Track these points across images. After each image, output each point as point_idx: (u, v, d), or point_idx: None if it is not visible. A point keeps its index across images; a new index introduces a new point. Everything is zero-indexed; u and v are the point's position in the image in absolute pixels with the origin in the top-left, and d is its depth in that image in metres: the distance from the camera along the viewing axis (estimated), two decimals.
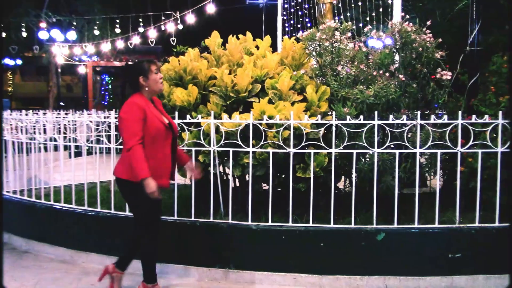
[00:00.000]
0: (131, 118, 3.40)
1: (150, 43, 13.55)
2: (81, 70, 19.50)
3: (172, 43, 11.55)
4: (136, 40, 14.20)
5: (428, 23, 4.86)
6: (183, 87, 4.74)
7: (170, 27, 12.53)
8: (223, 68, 4.71)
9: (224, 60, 4.95)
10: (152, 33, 13.19)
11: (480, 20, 5.03)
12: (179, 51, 7.42)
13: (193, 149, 4.39)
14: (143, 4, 18.25)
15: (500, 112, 4.12)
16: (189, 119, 4.36)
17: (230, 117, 4.40)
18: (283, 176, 4.52)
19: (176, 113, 4.42)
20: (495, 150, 4.11)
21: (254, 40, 5.10)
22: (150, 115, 3.46)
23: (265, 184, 4.48)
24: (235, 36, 5.04)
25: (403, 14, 5.53)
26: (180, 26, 12.38)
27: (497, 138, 4.11)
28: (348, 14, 7.41)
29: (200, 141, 4.33)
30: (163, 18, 13.01)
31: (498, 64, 5.22)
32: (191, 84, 4.71)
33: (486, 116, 4.18)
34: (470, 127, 4.08)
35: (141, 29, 14.07)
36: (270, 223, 4.19)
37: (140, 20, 14.58)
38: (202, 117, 4.38)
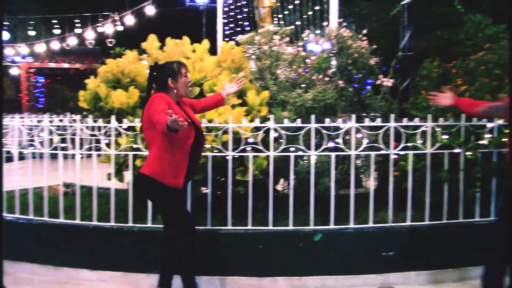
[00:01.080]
0: (157, 104, 3.30)
1: (88, 45, 13.21)
2: (14, 71, 18.69)
3: (110, 44, 11.31)
4: (73, 41, 13.79)
5: (365, 31, 5.01)
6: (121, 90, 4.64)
7: (109, 28, 12.26)
8: None
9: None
10: (90, 35, 12.85)
11: (412, 26, 5.24)
12: (117, 53, 7.26)
13: (130, 153, 4.31)
14: (80, 4, 17.75)
15: (429, 115, 4.31)
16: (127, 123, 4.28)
17: None
18: (223, 179, 4.52)
19: (113, 116, 4.33)
20: (425, 152, 4.29)
21: (192, 44, 5.07)
22: (175, 110, 3.35)
23: (205, 188, 4.47)
24: (174, 38, 4.99)
25: (341, 20, 5.65)
26: (119, 28, 12.14)
27: (427, 140, 4.29)
28: (287, 18, 7.51)
29: (137, 145, 4.26)
30: (101, 19, 12.70)
31: (429, 69, 5.46)
32: (131, 86, 4.63)
33: (417, 119, 4.36)
34: (402, 129, 4.24)
35: (78, 30, 13.67)
36: (209, 226, 4.18)
37: (78, 20, 14.16)
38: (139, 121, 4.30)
